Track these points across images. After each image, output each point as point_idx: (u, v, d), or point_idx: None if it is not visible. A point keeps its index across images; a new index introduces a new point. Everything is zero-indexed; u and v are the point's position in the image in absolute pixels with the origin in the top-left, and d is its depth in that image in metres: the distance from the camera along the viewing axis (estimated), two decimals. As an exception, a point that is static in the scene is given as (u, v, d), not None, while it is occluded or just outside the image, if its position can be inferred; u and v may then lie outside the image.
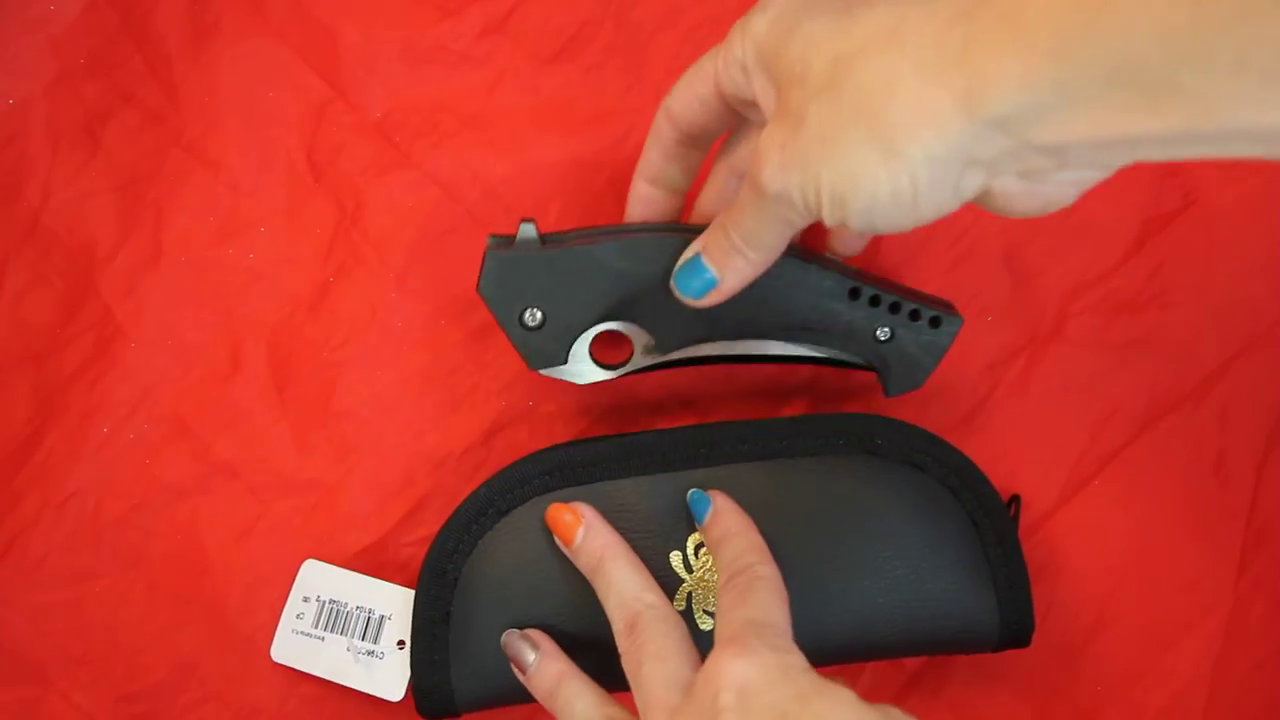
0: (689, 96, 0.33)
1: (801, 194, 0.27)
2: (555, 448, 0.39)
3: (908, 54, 0.24)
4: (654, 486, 0.38)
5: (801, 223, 0.29)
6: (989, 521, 0.37)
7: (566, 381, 0.37)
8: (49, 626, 0.41)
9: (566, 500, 0.37)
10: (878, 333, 0.36)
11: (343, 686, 0.40)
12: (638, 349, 0.37)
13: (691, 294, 0.33)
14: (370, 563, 0.41)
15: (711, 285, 0.33)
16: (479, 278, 0.35)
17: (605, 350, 0.37)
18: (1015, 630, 0.37)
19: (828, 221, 0.28)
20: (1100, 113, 0.22)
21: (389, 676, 0.39)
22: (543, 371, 0.37)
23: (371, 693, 0.39)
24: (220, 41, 0.44)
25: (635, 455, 0.38)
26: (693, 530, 0.37)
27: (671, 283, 0.34)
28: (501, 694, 0.37)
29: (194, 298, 0.43)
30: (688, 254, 0.33)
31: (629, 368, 0.37)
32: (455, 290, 0.43)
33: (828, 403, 0.43)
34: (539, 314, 0.35)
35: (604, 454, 0.38)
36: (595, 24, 0.45)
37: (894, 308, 0.36)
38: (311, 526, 0.42)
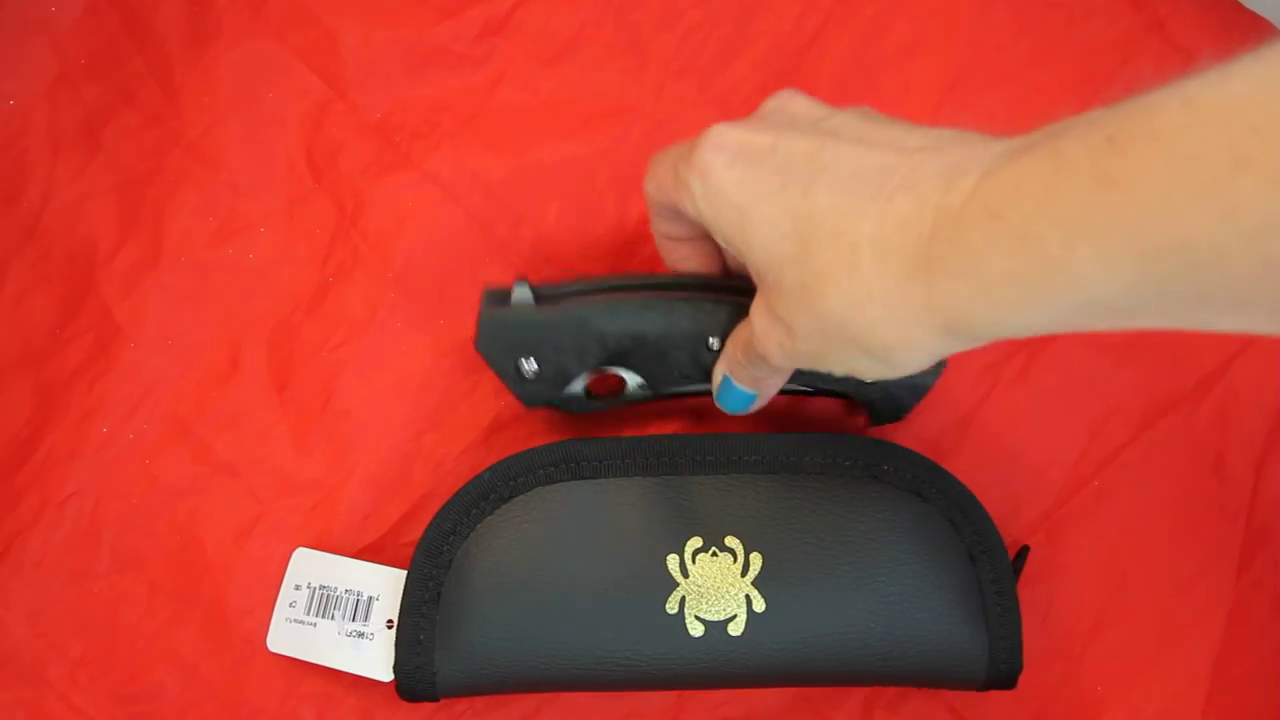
0: (663, 198, 0.33)
1: (809, 366, 0.30)
2: (564, 442, 0.39)
3: (875, 299, 0.26)
4: (657, 488, 0.38)
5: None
6: (986, 558, 0.38)
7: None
8: (48, 627, 0.41)
9: (567, 493, 0.38)
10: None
11: (343, 685, 0.40)
12: (631, 385, 0.38)
13: (738, 410, 0.36)
14: (370, 561, 0.41)
15: (752, 399, 0.35)
16: (476, 336, 0.36)
17: (598, 382, 0.38)
18: (1003, 670, 0.37)
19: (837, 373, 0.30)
20: (1071, 325, 0.25)
21: (377, 656, 0.38)
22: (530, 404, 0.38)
23: (360, 673, 0.39)
24: (221, 42, 0.44)
25: (641, 455, 0.38)
26: (691, 535, 0.37)
27: (716, 402, 0.36)
28: (485, 682, 0.37)
29: (194, 298, 0.43)
30: (718, 378, 0.35)
31: (619, 401, 0.38)
32: (455, 290, 0.43)
33: (830, 425, 0.43)
34: (535, 366, 0.36)
35: (611, 451, 0.38)
36: (595, 25, 0.45)
37: None
38: (311, 526, 0.42)
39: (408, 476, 0.42)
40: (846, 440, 0.38)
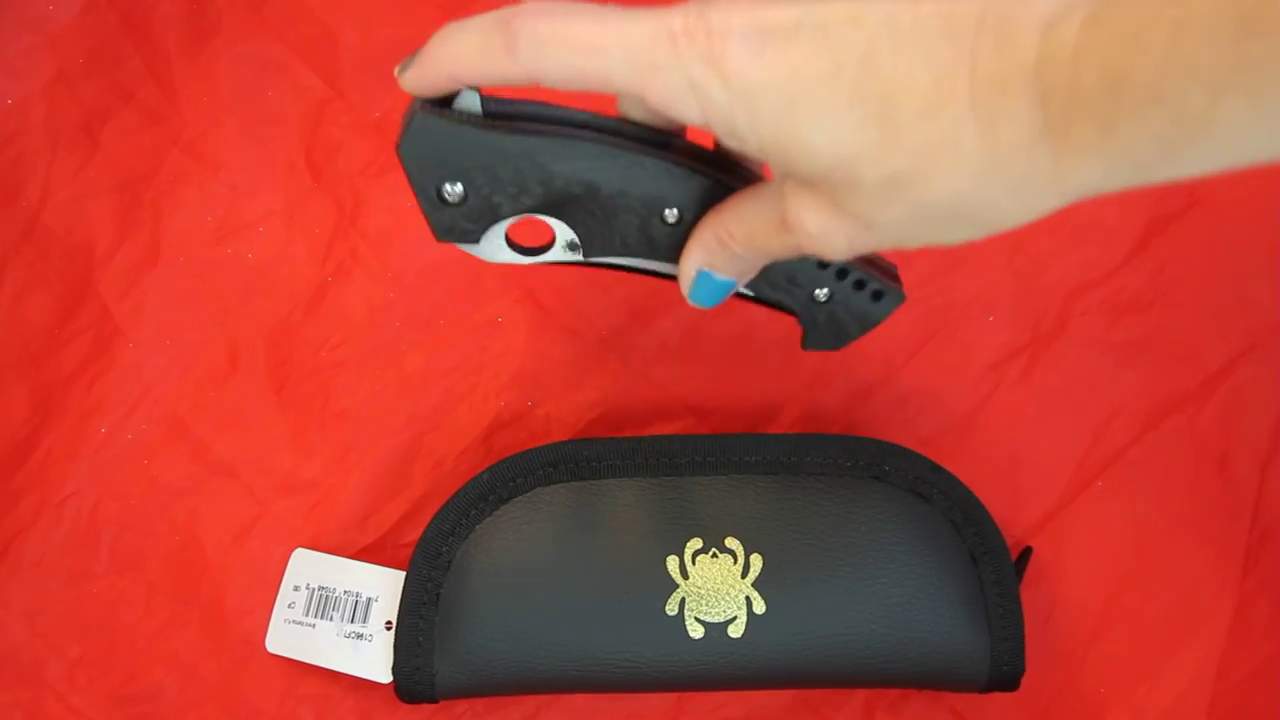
0: (581, 87, 0.26)
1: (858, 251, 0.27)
2: (563, 442, 0.39)
3: (991, 175, 0.23)
4: (656, 490, 0.38)
5: None
6: (989, 559, 0.37)
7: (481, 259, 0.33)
8: (46, 627, 0.40)
9: (566, 494, 0.37)
10: (817, 292, 0.33)
11: (342, 686, 0.40)
12: (559, 242, 0.32)
13: (712, 303, 0.31)
14: (369, 563, 0.41)
15: (730, 286, 0.31)
16: (401, 136, 0.29)
17: (524, 233, 0.33)
18: (1005, 671, 0.37)
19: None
20: (1214, 169, 0.22)
21: (376, 657, 0.38)
22: (452, 243, 0.32)
23: (359, 675, 0.38)
24: (219, 41, 0.44)
25: (640, 456, 0.38)
26: (691, 536, 0.37)
27: (688, 298, 0.32)
28: (485, 684, 0.37)
29: (192, 298, 0.43)
30: (689, 274, 0.30)
31: (546, 258, 0.33)
32: (454, 290, 0.43)
33: (831, 424, 0.43)
34: (461, 190, 0.30)
35: (610, 452, 0.38)
36: (595, 23, 0.44)
37: (841, 273, 0.33)
38: (310, 527, 0.42)
39: (407, 477, 0.42)
40: (847, 441, 0.38)
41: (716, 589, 0.37)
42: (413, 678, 0.37)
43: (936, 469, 0.38)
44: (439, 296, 0.43)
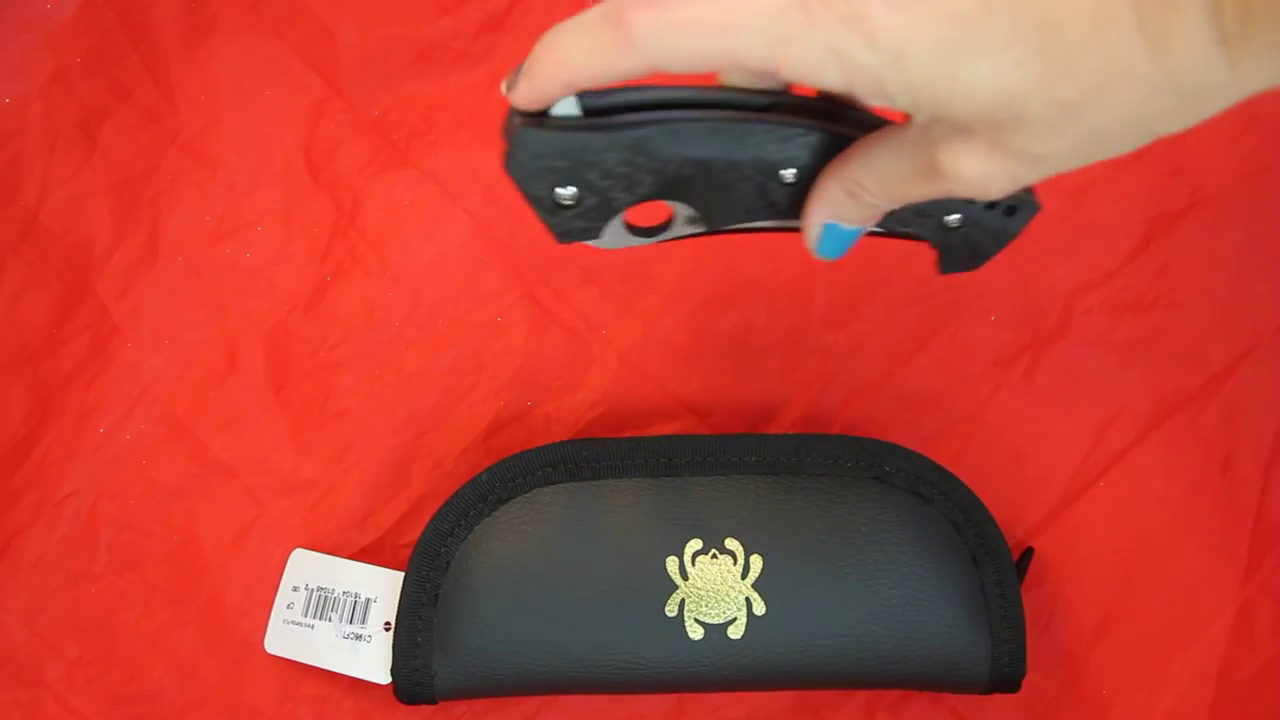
0: (706, 70, 0.25)
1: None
2: (562, 443, 0.38)
3: (1168, 89, 0.22)
4: (656, 490, 0.38)
5: None
6: (990, 560, 0.37)
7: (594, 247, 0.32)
8: (45, 628, 0.40)
9: (565, 494, 0.37)
10: (947, 219, 0.32)
11: (341, 687, 0.40)
12: (680, 218, 0.32)
13: (840, 253, 0.30)
14: (368, 563, 0.41)
15: (856, 234, 0.29)
16: (506, 154, 0.28)
17: (642, 214, 0.32)
18: (1007, 673, 0.37)
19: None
20: None
21: (375, 658, 0.38)
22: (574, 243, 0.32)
23: (358, 676, 0.38)
24: (217, 39, 0.44)
25: (640, 457, 0.38)
26: (690, 537, 0.37)
27: (813, 252, 0.30)
28: (484, 685, 0.37)
29: (191, 297, 0.43)
30: (815, 228, 0.29)
31: (668, 235, 0.32)
32: (454, 290, 0.43)
33: (831, 424, 0.43)
34: (574, 192, 0.30)
35: (609, 452, 0.38)
36: (594, 21, 0.44)
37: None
38: (309, 527, 0.41)
39: (406, 477, 0.42)
40: (848, 441, 0.38)
41: (716, 590, 0.37)
42: (411, 679, 0.37)
43: (937, 469, 0.38)
44: (438, 296, 0.43)
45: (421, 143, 0.44)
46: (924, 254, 0.43)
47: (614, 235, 0.32)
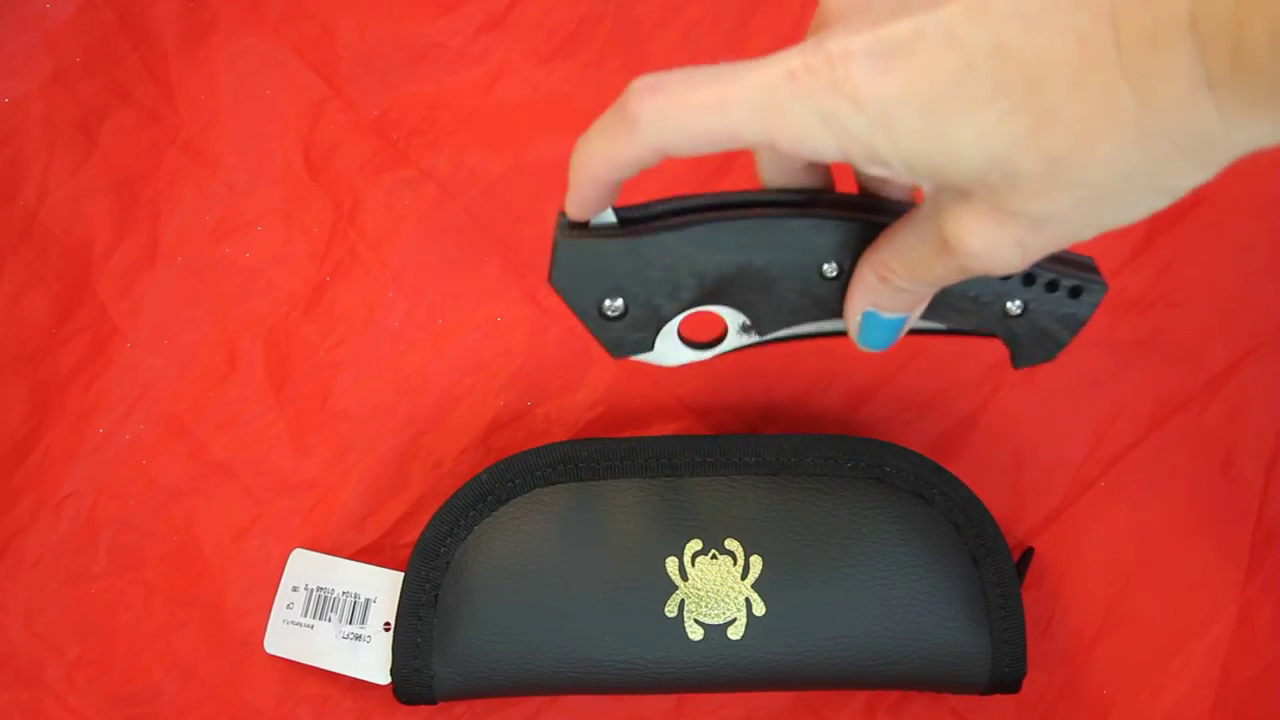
0: (709, 150, 0.25)
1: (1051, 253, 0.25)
2: (562, 443, 0.38)
3: (1155, 133, 0.21)
4: (656, 490, 0.38)
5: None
6: (990, 560, 0.37)
7: (653, 365, 0.33)
8: (44, 628, 0.40)
9: (565, 495, 0.37)
10: (1009, 306, 0.31)
11: (341, 688, 0.40)
12: (733, 329, 0.32)
13: (886, 344, 0.30)
14: (368, 563, 0.41)
15: (900, 324, 0.29)
16: (550, 267, 0.30)
17: (696, 328, 0.33)
18: (1007, 673, 0.37)
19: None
20: None
21: (374, 659, 0.38)
22: (621, 358, 0.33)
23: (358, 676, 0.38)
24: (217, 39, 0.44)
25: (640, 457, 0.38)
26: (690, 538, 0.37)
27: (857, 341, 0.30)
28: (483, 685, 0.37)
29: (190, 297, 0.43)
30: (855, 318, 0.29)
31: (723, 348, 0.33)
32: (453, 289, 0.43)
33: (831, 425, 0.43)
34: (620, 303, 0.30)
35: (609, 452, 0.38)
36: (594, 20, 0.44)
37: (1028, 279, 0.30)
38: (309, 527, 0.41)
39: (406, 477, 0.42)
40: (848, 441, 0.38)
41: (716, 590, 0.37)
42: (411, 679, 0.37)
43: (938, 470, 0.38)
44: (438, 296, 0.43)
45: (421, 142, 0.44)
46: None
47: (669, 348, 0.32)
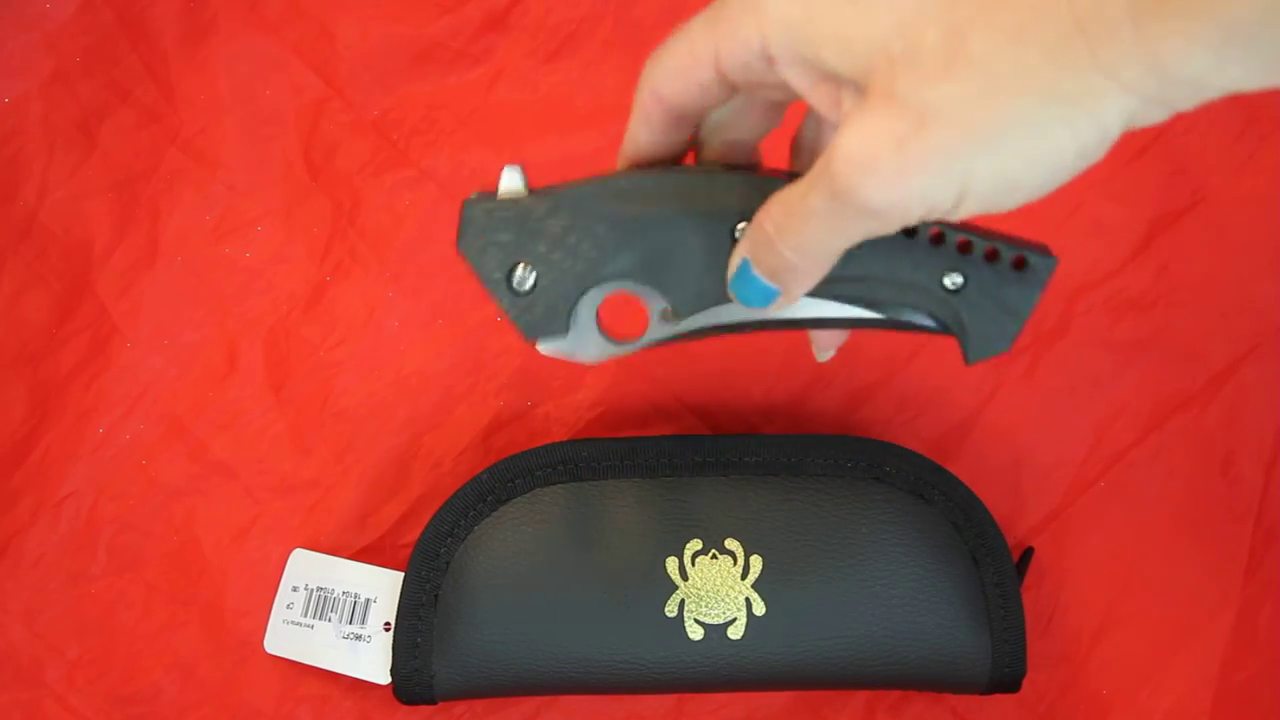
0: (686, 82, 0.27)
1: (927, 197, 0.23)
2: (562, 443, 0.38)
3: (1056, 9, 0.20)
4: (655, 490, 0.38)
5: (888, 231, 0.24)
6: (990, 560, 0.37)
7: (572, 362, 0.32)
8: (44, 628, 0.40)
9: (565, 495, 0.37)
10: (945, 280, 0.28)
11: (341, 688, 0.40)
12: (653, 316, 0.31)
13: (757, 305, 0.28)
14: (368, 563, 0.41)
15: (775, 296, 0.28)
16: (459, 231, 0.29)
17: (617, 323, 0.33)
18: (1007, 673, 0.37)
19: (955, 216, 0.24)
20: None
21: (374, 659, 0.38)
22: (542, 349, 0.31)
23: (358, 676, 0.38)
24: (216, 39, 0.44)
25: (640, 457, 0.38)
26: (690, 538, 0.37)
27: (729, 291, 0.29)
28: (483, 685, 0.37)
29: (190, 297, 0.43)
30: (735, 262, 0.28)
31: (643, 341, 0.31)
32: (453, 289, 0.43)
33: (831, 425, 0.43)
34: (531, 274, 0.29)
35: (609, 453, 0.38)
36: (594, 20, 0.44)
37: (964, 246, 0.28)
38: (308, 527, 0.41)
39: (406, 477, 0.42)
40: (848, 441, 0.38)
41: (716, 590, 0.37)
42: (411, 679, 0.37)
43: (937, 470, 0.38)
44: (438, 296, 0.43)
45: (421, 142, 0.44)
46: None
47: (587, 340, 0.31)
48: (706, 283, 0.30)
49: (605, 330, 0.31)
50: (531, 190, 0.29)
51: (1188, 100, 0.21)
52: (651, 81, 0.28)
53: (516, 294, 0.30)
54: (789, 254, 0.26)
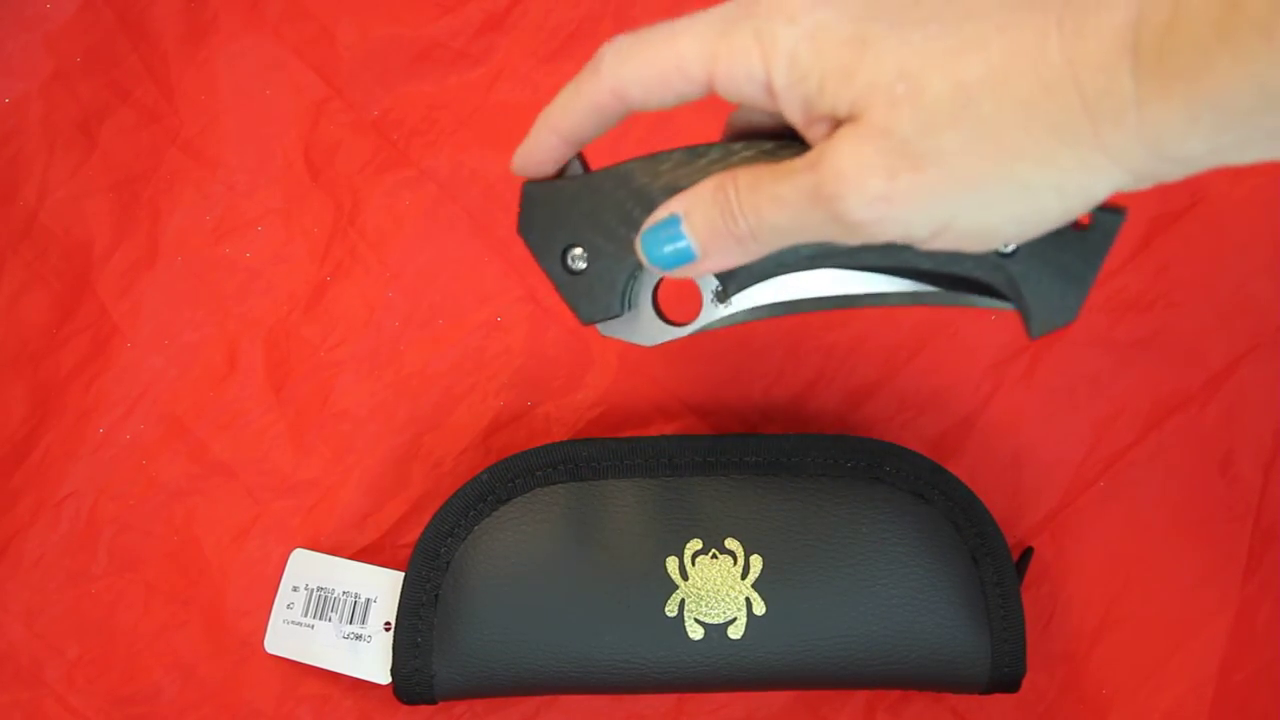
0: (664, 91, 0.26)
1: (905, 226, 0.24)
2: (562, 443, 0.39)
3: (1060, 92, 0.21)
4: (655, 490, 0.38)
5: (849, 244, 0.25)
6: (990, 560, 0.37)
7: (632, 344, 0.32)
8: (45, 628, 0.40)
9: (565, 494, 0.37)
10: (1003, 246, 0.27)
11: (341, 687, 0.40)
12: (706, 298, 0.31)
13: (659, 262, 0.27)
14: (368, 563, 0.41)
15: (686, 259, 0.26)
16: (519, 216, 0.30)
17: (674, 305, 0.32)
18: (1007, 672, 0.37)
19: (925, 246, 0.25)
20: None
21: (375, 659, 0.38)
22: (603, 331, 0.31)
23: (358, 676, 0.38)
24: (217, 39, 0.44)
25: (640, 457, 0.38)
26: (690, 537, 0.37)
27: (637, 241, 0.28)
28: (484, 685, 0.37)
29: (191, 297, 0.43)
30: (662, 213, 0.27)
31: (699, 323, 0.31)
32: (453, 289, 0.43)
33: (831, 424, 0.43)
34: (584, 253, 0.29)
35: (609, 452, 0.38)
36: (594, 20, 0.44)
37: None
38: (309, 527, 0.41)
39: (406, 477, 0.42)
40: (848, 441, 0.38)
41: (716, 590, 0.37)
42: (411, 679, 0.37)
43: (937, 469, 0.38)
44: (438, 296, 0.43)
45: (421, 142, 0.44)
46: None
47: (644, 323, 0.31)
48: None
49: (664, 313, 0.31)
50: (588, 171, 0.30)
51: (1177, 175, 0.22)
52: (617, 79, 0.26)
53: (572, 275, 0.30)
54: (742, 225, 0.25)
